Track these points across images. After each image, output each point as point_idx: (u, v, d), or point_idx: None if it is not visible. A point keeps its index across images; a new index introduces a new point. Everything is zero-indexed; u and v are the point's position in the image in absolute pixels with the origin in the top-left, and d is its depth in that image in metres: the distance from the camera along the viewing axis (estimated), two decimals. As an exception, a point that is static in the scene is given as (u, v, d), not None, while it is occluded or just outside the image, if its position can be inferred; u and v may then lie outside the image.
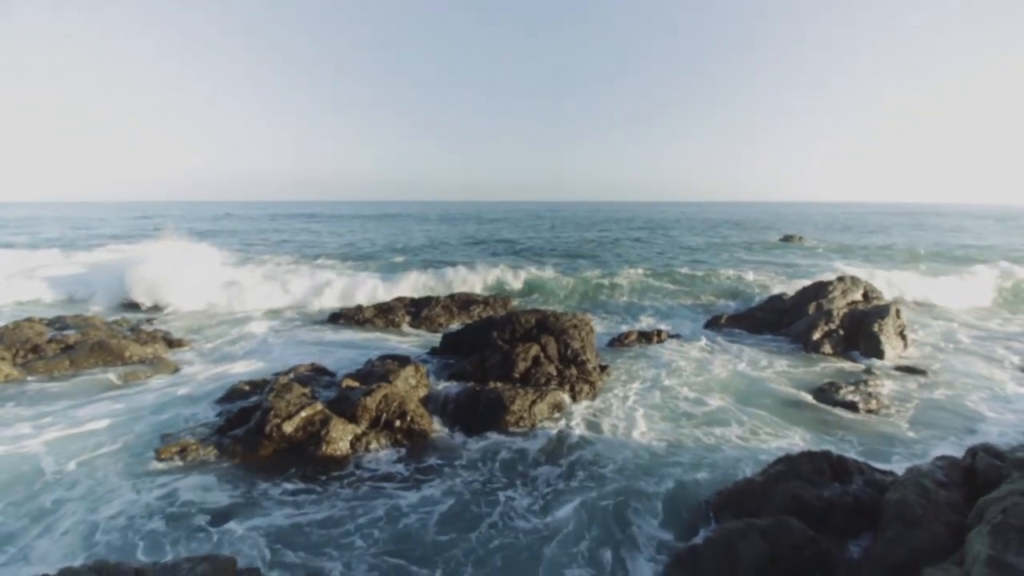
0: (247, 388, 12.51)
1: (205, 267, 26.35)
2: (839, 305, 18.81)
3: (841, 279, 20.53)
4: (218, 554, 6.61)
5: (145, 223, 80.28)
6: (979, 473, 7.17)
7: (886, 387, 13.73)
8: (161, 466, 9.61)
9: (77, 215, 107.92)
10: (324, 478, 9.31)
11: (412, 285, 26.57)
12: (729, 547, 6.20)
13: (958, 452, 8.35)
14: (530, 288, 27.34)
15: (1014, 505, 5.93)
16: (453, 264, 31.98)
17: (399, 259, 38.85)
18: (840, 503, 6.94)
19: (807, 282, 22.12)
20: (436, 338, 17.70)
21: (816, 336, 17.09)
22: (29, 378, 13.97)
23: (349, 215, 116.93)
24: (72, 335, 16.18)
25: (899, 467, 8.66)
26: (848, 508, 6.92)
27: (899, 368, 15.30)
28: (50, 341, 15.60)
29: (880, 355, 16.09)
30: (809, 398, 13.05)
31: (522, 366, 13.16)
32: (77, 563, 6.18)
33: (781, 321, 19.61)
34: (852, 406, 12.32)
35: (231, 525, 8.02)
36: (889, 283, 25.54)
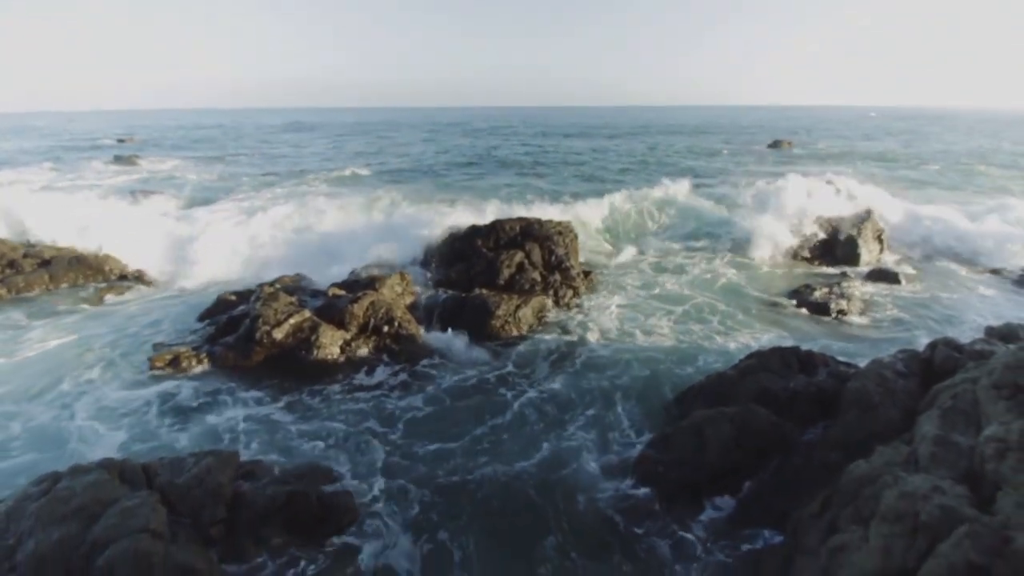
0: (233, 298, 12.57)
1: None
2: (821, 210, 18.93)
3: (828, 182, 20.56)
4: (221, 448, 6.97)
5: (107, 133, 76.01)
6: (936, 364, 7.60)
7: (859, 289, 14.18)
8: (156, 373, 9.85)
9: (44, 125, 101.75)
10: (317, 381, 9.65)
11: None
12: (699, 432, 6.69)
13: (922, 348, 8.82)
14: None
15: (964, 391, 6.36)
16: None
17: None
18: (804, 392, 7.41)
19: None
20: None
21: (797, 240, 17.35)
22: (9, 294, 13.85)
23: (327, 123, 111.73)
24: (48, 249, 15.87)
25: (864, 362, 9.17)
26: (811, 397, 7.40)
27: (874, 271, 15.72)
28: (26, 256, 15.32)
29: (856, 259, 16.47)
30: (784, 300, 13.49)
31: (507, 273, 13.31)
32: (84, 462, 6.49)
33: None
34: (824, 307, 12.78)
35: (228, 424, 8.40)
36: (866, 189, 25.50)
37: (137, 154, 45.03)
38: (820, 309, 12.76)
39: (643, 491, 6.73)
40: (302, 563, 5.75)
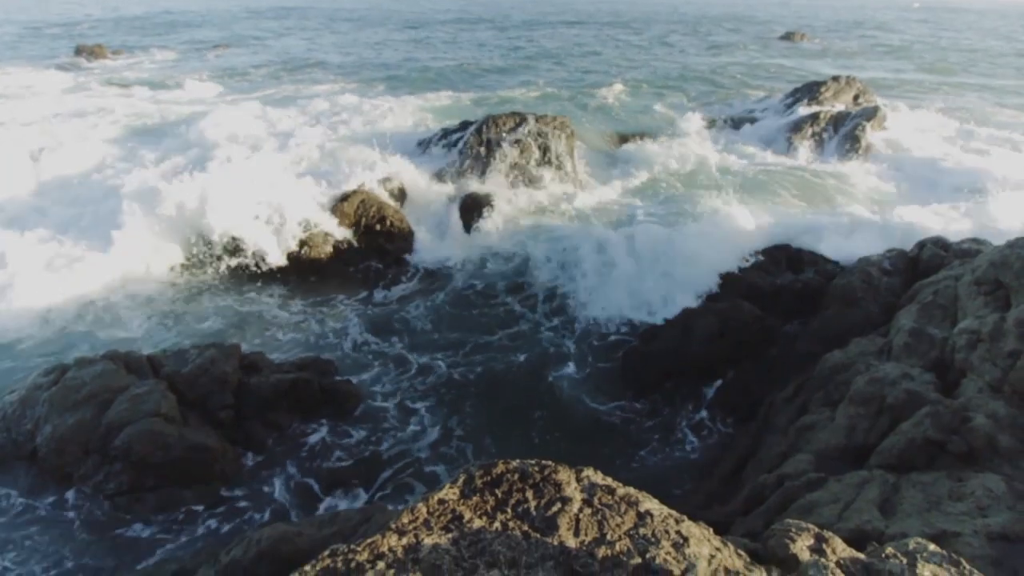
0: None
1: None
2: (827, 107, 18.26)
3: (836, 79, 19.62)
4: (222, 341, 7.18)
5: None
6: (922, 262, 7.75)
7: (856, 187, 14.05)
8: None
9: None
10: (311, 279, 9.75)
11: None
12: (685, 325, 6.95)
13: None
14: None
15: (946, 287, 6.54)
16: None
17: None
18: (790, 288, 7.61)
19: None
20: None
21: (797, 138, 16.91)
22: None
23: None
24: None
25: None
26: (797, 293, 7.61)
27: (872, 171, 15.46)
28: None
29: (857, 155, 16.17)
30: (784, 191, 13.37)
31: (502, 169, 12.99)
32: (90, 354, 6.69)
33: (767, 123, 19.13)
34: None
35: (225, 320, 8.60)
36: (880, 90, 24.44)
37: (101, 43, 40.86)
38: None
39: (628, 381, 7.10)
40: (308, 442, 6.16)
